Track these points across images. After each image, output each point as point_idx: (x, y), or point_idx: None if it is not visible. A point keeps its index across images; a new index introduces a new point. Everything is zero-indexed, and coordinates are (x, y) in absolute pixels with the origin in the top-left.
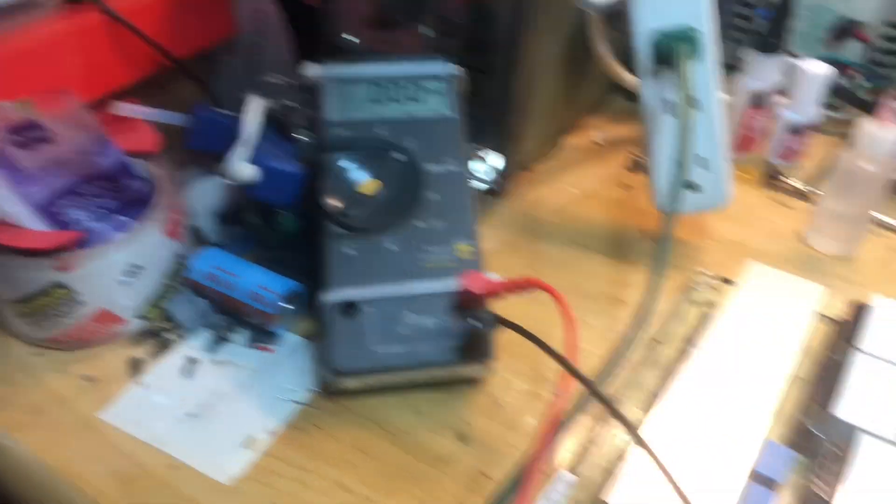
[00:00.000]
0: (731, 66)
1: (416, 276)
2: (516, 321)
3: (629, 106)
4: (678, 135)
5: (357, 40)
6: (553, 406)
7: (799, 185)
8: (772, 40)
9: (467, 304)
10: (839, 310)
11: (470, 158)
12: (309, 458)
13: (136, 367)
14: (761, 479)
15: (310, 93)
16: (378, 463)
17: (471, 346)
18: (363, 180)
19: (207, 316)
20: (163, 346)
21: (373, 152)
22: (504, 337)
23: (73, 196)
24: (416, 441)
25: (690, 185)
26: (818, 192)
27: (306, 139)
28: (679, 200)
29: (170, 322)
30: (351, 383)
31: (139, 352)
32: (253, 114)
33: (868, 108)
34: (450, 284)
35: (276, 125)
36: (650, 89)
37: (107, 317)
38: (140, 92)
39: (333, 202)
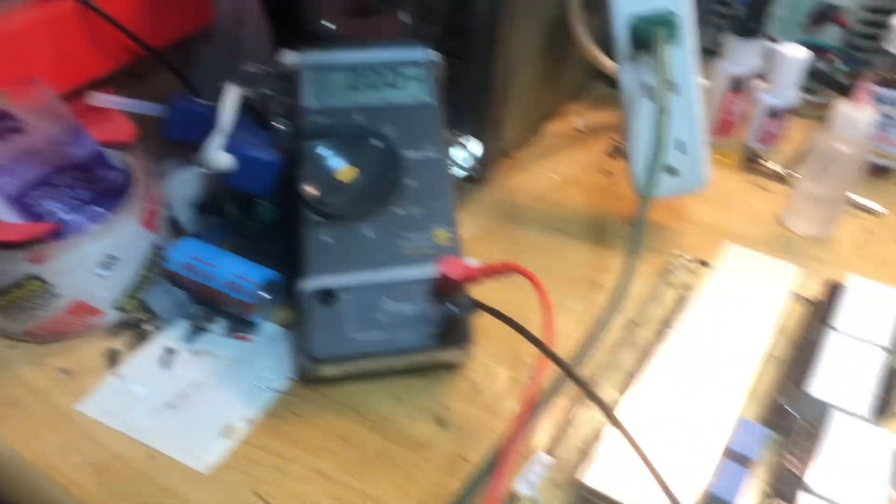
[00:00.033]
0: (711, 51)
1: (394, 263)
2: (495, 306)
3: (610, 92)
4: (656, 119)
5: (335, 27)
6: (528, 388)
7: (777, 168)
8: (751, 25)
9: (445, 289)
10: (815, 290)
11: (449, 145)
12: (288, 445)
13: (113, 358)
14: (735, 457)
15: (287, 81)
16: (357, 449)
17: (449, 332)
18: (341, 167)
19: (185, 306)
20: (140, 337)
21: (351, 139)
22: (483, 322)
23: (47, 187)
24: (395, 427)
25: (669, 169)
26: (796, 175)
27: (284, 127)
28: (657, 184)
29: (147, 313)
30: (329, 371)
31: (116, 343)
32: (229, 102)
33: (846, 91)
34: (428, 271)
35: (253, 114)
36: (629, 74)
37: (83, 309)
38: (116, 82)
39: (311, 190)
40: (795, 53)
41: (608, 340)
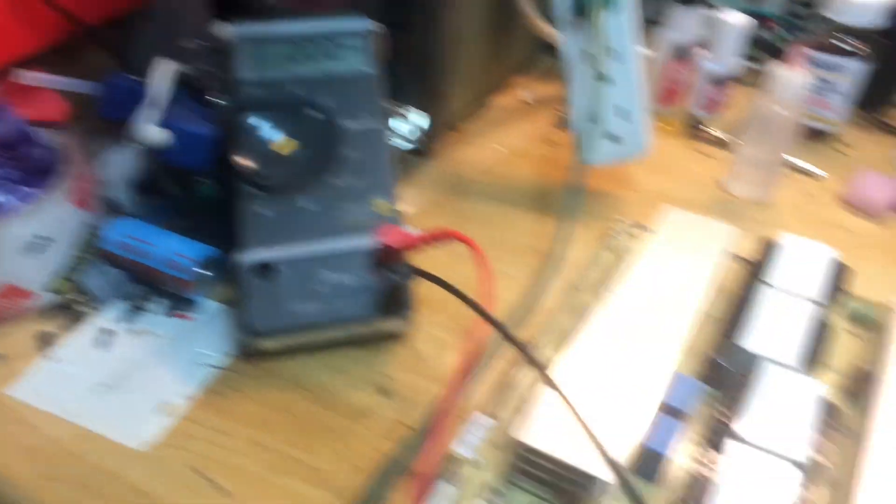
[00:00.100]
0: (654, 21)
1: (333, 234)
2: (441, 277)
3: (557, 65)
4: (595, 86)
5: (276, 1)
6: (463, 350)
7: (720, 134)
8: None
9: (386, 258)
10: (752, 250)
11: (389, 115)
12: (227, 420)
13: (46, 341)
14: (670, 410)
15: (223, 54)
16: (297, 420)
17: (390, 301)
18: (278, 139)
19: (122, 286)
20: (75, 319)
21: (288, 111)
22: (428, 292)
23: None
24: (337, 398)
25: (610, 136)
26: (738, 140)
27: (220, 101)
28: (598, 151)
29: (83, 294)
30: (269, 344)
31: (50, 326)
32: (160, 76)
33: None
34: (367, 240)
35: (190, 90)
36: (569, 41)
37: (13, 292)
38: (49, 60)
39: (247, 162)
40: (736, 21)
41: (548, 305)
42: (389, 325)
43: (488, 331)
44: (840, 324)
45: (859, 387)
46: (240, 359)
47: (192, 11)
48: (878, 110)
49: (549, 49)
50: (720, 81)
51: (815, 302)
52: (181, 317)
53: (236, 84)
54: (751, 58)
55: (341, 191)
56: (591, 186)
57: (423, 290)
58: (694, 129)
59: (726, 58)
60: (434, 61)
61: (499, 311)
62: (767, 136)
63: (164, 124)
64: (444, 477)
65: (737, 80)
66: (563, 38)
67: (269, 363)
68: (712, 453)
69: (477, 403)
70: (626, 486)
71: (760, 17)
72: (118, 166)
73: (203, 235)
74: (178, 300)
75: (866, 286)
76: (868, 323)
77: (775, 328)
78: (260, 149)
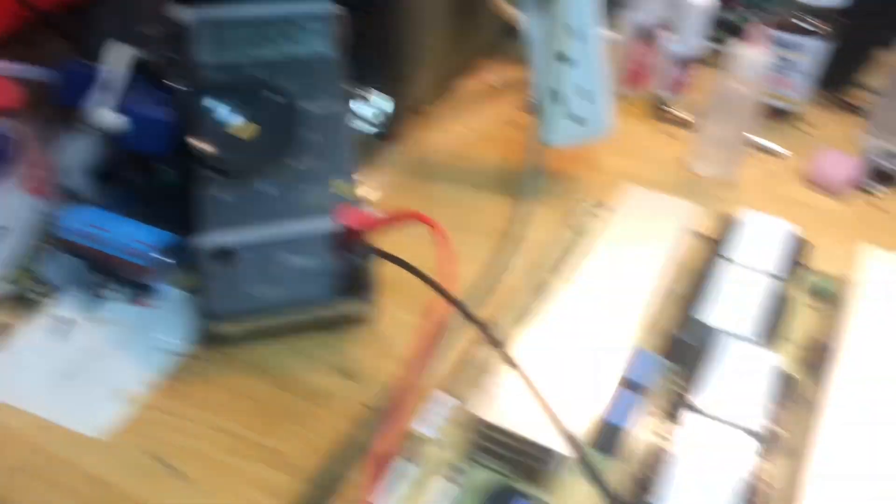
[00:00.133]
0: (617, 3)
1: (293, 217)
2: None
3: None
4: (556, 66)
5: None
6: (422, 329)
7: (684, 115)
8: None
9: (346, 241)
10: (713, 227)
11: (351, 98)
12: (187, 406)
13: (2, 331)
14: (630, 385)
15: (182, 38)
16: (260, 405)
17: (352, 283)
18: (238, 123)
19: (81, 275)
20: (32, 308)
21: (248, 94)
22: (393, 275)
23: None
24: (301, 382)
25: (574, 117)
26: (701, 120)
27: (179, 86)
28: (561, 132)
29: (40, 284)
30: (230, 329)
31: (6, 317)
32: (116, 60)
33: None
34: (328, 223)
35: (148, 74)
36: (531, 22)
37: None
38: (5, 47)
39: (205, 146)
40: (700, 2)
41: (510, 284)
42: (352, 307)
43: (448, 310)
44: (799, 297)
45: (816, 358)
46: (201, 345)
47: None
48: (840, 90)
49: (515, 32)
50: (684, 62)
51: (774, 276)
52: (141, 304)
53: (195, 68)
54: (715, 39)
55: (302, 174)
56: (556, 168)
57: (387, 273)
58: (658, 111)
59: (690, 39)
60: (397, 44)
61: (460, 290)
62: (729, 115)
63: (121, 109)
64: (405, 456)
65: (701, 61)
66: (525, 18)
67: (230, 348)
68: (670, 425)
69: (439, 383)
70: (582, 459)
71: None
72: (75, 153)
73: (163, 222)
74: (138, 287)
75: (826, 261)
76: (827, 296)
77: (735, 302)
78: (219, 132)
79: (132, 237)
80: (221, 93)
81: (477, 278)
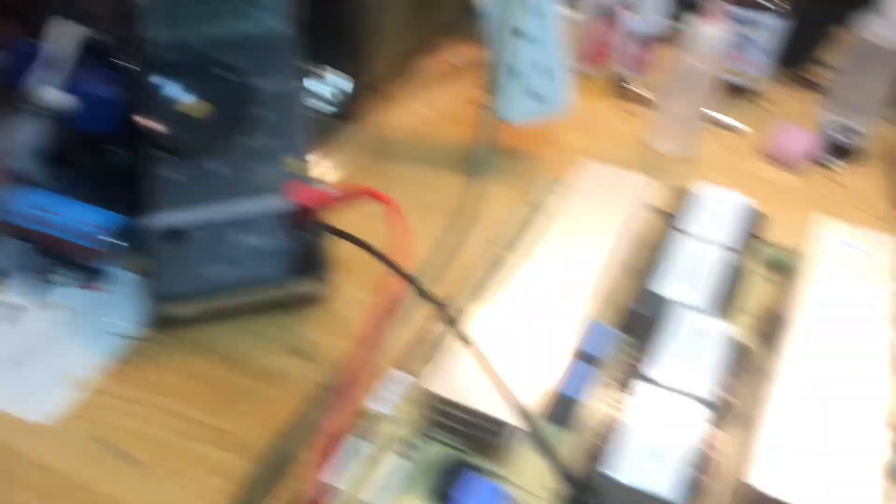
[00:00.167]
0: None
1: (245, 196)
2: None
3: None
4: (513, 42)
5: None
6: (374, 306)
7: (645, 92)
8: None
9: (300, 219)
10: (669, 201)
11: (306, 76)
12: (139, 390)
13: None
14: (585, 357)
15: (132, 15)
16: (213, 388)
17: (305, 262)
18: (189, 101)
19: (30, 259)
20: None
21: (200, 72)
22: (347, 254)
23: None
24: (254, 363)
25: (532, 94)
26: (661, 97)
27: (130, 65)
28: (520, 109)
29: None
30: (182, 310)
31: None
32: (62, 39)
33: None
34: (281, 201)
35: (98, 53)
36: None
37: None
38: None
39: (155, 125)
40: None
41: (468, 261)
42: (306, 286)
43: (401, 287)
44: (755, 269)
45: (771, 328)
46: (153, 328)
47: None
48: (799, 67)
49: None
50: (644, 40)
51: (729, 248)
52: (92, 288)
53: (146, 46)
54: (675, 17)
55: (254, 152)
56: (516, 146)
57: (342, 252)
58: (620, 89)
59: (651, 17)
60: (355, 23)
61: (414, 267)
62: (688, 92)
63: (69, 88)
64: (358, 434)
65: (662, 39)
66: None
67: (183, 331)
68: (624, 396)
69: (395, 361)
70: (532, 430)
71: None
72: (24, 135)
73: (114, 204)
74: (89, 271)
75: (782, 233)
76: (782, 268)
77: (689, 274)
78: (170, 111)
79: (82, 220)
80: (173, 71)
81: (430, 255)
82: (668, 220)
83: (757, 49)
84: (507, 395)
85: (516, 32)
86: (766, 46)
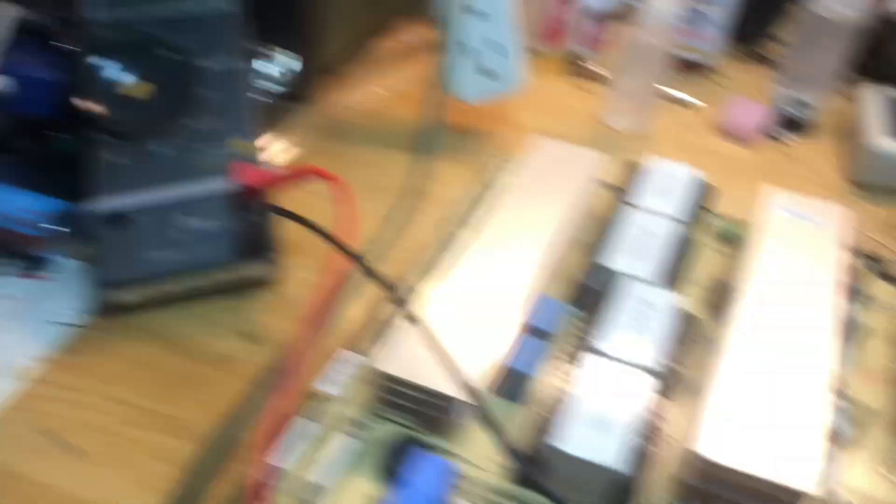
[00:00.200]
0: None
1: (190, 178)
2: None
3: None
4: (464, 19)
5: None
6: (319, 285)
7: (600, 70)
8: None
9: (246, 200)
10: (620, 175)
11: (252, 55)
12: (83, 379)
13: None
14: (535, 332)
15: None
16: (159, 374)
17: (253, 244)
18: (131, 82)
19: None
20: None
21: (142, 52)
22: (297, 236)
23: None
24: (202, 348)
25: (485, 71)
26: (614, 73)
27: (69, 46)
28: (472, 86)
29: None
30: (127, 296)
31: None
32: None
33: None
34: (226, 183)
35: (35, 35)
36: None
37: None
38: None
39: (96, 107)
40: None
41: (420, 240)
42: (254, 269)
43: (347, 266)
44: (706, 241)
45: (720, 299)
46: (98, 315)
47: None
48: (752, 42)
49: None
50: (600, 18)
51: (678, 220)
52: (34, 277)
53: (85, 26)
54: None
55: (199, 133)
56: (470, 124)
57: (292, 234)
58: (575, 67)
59: None
60: (304, 3)
61: (362, 246)
62: (641, 68)
63: (5, 71)
64: (306, 415)
65: (618, 16)
66: None
67: (128, 317)
68: (573, 369)
69: (345, 341)
70: (477, 405)
71: None
72: None
73: (55, 189)
74: (31, 260)
75: (734, 206)
76: (732, 239)
77: (640, 247)
78: (111, 93)
79: (22, 207)
80: (113, 51)
81: (377, 233)
82: (619, 195)
83: (710, 24)
84: (455, 371)
85: (466, 8)
86: (719, 21)
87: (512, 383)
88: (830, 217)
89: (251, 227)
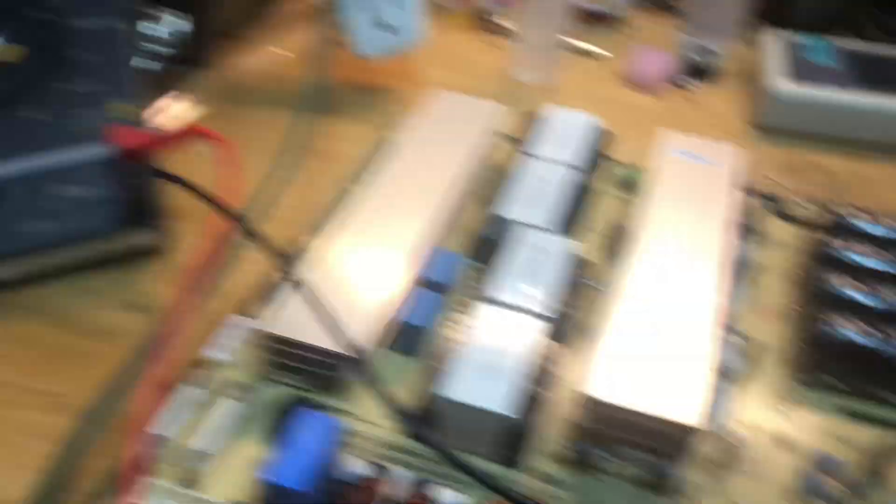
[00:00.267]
0: None
1: (66, 144)
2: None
3: None
4: None
5: None
6: (197, 247)
7: (507, 24)
8: None
9: (127, 165)
10: (519, 126)
11: (134, 15)
12: None
13: None
14: (428, 284)
15: None
16: (39, 351)
17: (138, 211)
18: None
19: None
20: None
21: (10, 12)
22: (189, 201)
23: None
24: (86, 322)
25: (383, 25)
26: (519, 26)
27: None
28: (371, 42)
29: None
30: (2, 272)
31: None
32: None
33: None
34: (106, 148)
35: None
36: None
37: None
38: None
39: None
40: None
41: (314, 199)
42: (140, 237)
43: (229, 227)
44: (605, 188)
45: (617, 244)
46: None
47: None
48: None
49: None
50: None
51: (576, 168)
52: None
53: None
54: None
55: (74, 97)
56: (373, 82)
57: (182, 200)
58: (482, 22)
59: None
60: None
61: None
62: (545, 20)
63: None
64: (191, 382)
65: None
66: None
67: (6, 295)
68: (466, 318)
69: (235, 305)
70: (358, 360)
71: None
72: None
73: None
74: None
75: (635, 153)
76: (631, 185)
77: (537, 196)
78: None
79: None
80: None
81: (256, 191)
82: (517, 146)
83: None
84: (337, 329)
85: None
86: None
87: (407, 337)
88: (724, 157)
89: (134, 194)
